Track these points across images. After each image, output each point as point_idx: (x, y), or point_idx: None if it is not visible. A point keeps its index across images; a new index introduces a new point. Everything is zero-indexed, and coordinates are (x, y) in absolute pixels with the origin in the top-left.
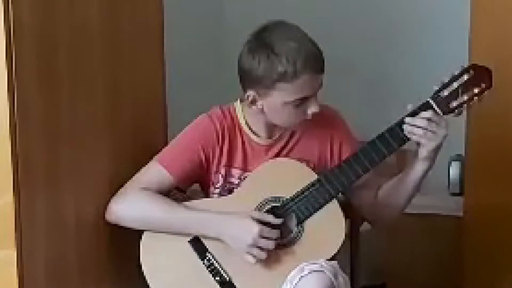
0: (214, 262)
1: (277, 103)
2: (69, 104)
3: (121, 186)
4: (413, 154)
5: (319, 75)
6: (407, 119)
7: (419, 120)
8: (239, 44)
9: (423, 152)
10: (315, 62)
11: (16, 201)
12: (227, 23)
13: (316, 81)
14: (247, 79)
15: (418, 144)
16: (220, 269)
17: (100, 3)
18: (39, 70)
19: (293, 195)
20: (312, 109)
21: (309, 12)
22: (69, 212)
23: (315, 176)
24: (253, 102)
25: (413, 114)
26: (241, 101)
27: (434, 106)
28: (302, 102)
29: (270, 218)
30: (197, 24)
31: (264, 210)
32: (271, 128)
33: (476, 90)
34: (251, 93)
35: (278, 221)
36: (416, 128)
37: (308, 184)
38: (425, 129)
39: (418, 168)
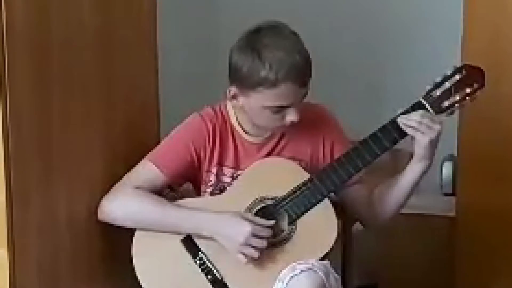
0: (206, 261)
1: (256, 104)
2: (62, 104)
3: (114, 185)
4: (406, 154)
5: (301, 88)
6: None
7: (414, 114)
8: (233, 43)
9: (418, 149)
10: (298, 74)
11: (8, 201)
12: (222, 21)
13: (298, 92)
14: (232, 74)
15: (413, 141)
16: (212, 268)
17: (93, 4)
18: (32, 69)
19: (285, 194)
20: (290, 117)
21: (302, 14)
22: (62, 211)
23: (307, 175)
24: (234, 97)
25: (405, 113)
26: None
27: (426, 105)
28: (281, 109)
29: (261, 222)
30: (191, 23)
31: (256, 209)
32: (260, 127)
33: (468, 90)
34: (233, 88)
35: (269, 223)
36: (411, 120)
37: (300, 183)
38: (419, 121)
39: (415, 168)
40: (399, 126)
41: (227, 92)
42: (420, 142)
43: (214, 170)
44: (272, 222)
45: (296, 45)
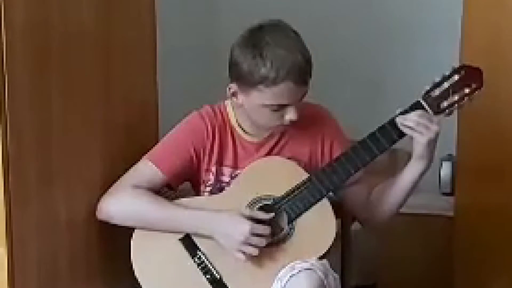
0: (205, 260)
1: (255, 102)
2: (61, 104)
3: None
4: (405, 154)
5: (301, 87)
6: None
7: (412, 114)
8: (232, 43)
9: (417, 149)
10: (298, 73)
11: (7, 200)
12: (222, 22)
13: (298, 91)
14: (233, 71)
15: (412, 140)
16: (211, 267)
17: (93, 5)
18: (31, 69)
19: (284, 193)
20: (289, 116)
21: (302, 14)
22: (61, 211)
23: (306, 175)
24: (234, 94)
25: (404, 113)
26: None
27: (425, 105)
28: (280, 108)
29: (261, 215)
30: (191, 23)
31: (255, 208)
32: (260, 125)
33: (467, 90)
34: (233, 86)
35: (268, 216)
36: (408, 120)
37: (299, 183)
38: (417, 121)
39: (414, 168)
40: (397, 126)
41: (227, 89)
42: (419, 142)
43: (213, 169)
44: (271, 214)
45: (297, 44)
